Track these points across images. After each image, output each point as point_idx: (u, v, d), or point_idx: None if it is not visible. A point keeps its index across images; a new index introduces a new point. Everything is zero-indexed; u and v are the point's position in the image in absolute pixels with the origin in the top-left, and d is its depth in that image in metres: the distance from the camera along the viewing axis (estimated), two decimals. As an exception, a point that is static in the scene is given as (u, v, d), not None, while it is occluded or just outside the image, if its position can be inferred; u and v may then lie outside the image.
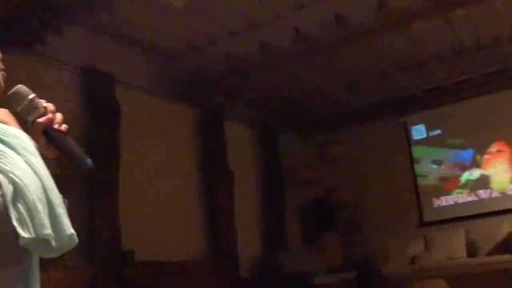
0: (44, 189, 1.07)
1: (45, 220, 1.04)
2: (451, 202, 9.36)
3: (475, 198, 9.18)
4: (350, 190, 9.80)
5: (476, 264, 7.70)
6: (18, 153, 1.09)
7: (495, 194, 9.04)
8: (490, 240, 8.41)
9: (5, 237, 1.01)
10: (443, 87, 9.04)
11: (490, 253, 8.26)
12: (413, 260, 8.71)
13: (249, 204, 8.56)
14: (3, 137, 1.12)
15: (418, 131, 9.78)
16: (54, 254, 1.08)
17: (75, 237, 1.11)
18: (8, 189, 1.00)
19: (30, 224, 1.02)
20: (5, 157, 1.05)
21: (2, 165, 1.04)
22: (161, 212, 6.54)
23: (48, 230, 1.04)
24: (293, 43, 6.54)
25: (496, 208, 8.91)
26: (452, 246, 8.64)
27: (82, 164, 1.27)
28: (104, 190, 5.81)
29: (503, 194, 8.98)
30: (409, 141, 9.86)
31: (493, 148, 9.17)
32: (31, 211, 1.02)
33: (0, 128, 1.15)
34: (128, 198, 5.98)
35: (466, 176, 9.32)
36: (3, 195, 1.00)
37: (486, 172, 9.18)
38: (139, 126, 6.50)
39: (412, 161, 9.77)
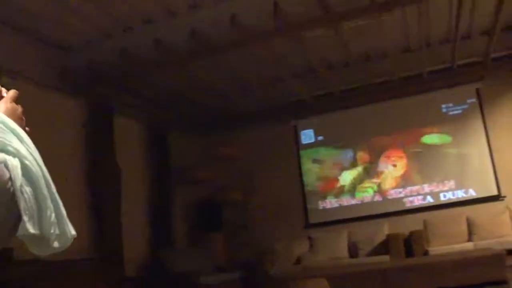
0: (49, 185, 0.98)
1: (53, 218, 0.96)
2: (336, 205, 9.73)
3: (358, 202, 9.61)
4: (238, 190, 9.90)
5: (357, 264, 8.05)
6: (21, 141, 1.01)
7: (376, 198, 9.51)
8: (371, 242, 8.83)
9: (4, 224, 0.91)
10: (332, 94, 9.36)
11: (370, 254, 8.68)
12: (298, 260, 8.96)
13: (137, 203, 8.40)
14: (2, 123, 1.04)
15: (307, 136, 10.07)
16: (46, 253, 1.00)
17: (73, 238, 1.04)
18: (18, 174, 0.90)
19: (37, 219, 0.93)
20: (10, 141, 0.98)
21: (10, 147, 0.94)
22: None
23: (57, 230, 0.96)
24: (188, 42, 6.51)
25: (377, 212, 9.38)
26: (335, 247, 8.97)
27: None
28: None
29: (384, 198, 9.46)
30: (298, 145, 10.13)
31: (377, 155, 9.65)
32: (41, 206, 0.93)
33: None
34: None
35: (349, 180, 9.72)
36: (11, 179, 0.90)
37: (367, 176, 9.65)
38: (25, 117, 6.18)
39: (300, 164, 10.04)
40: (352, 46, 7.64)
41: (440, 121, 9.37)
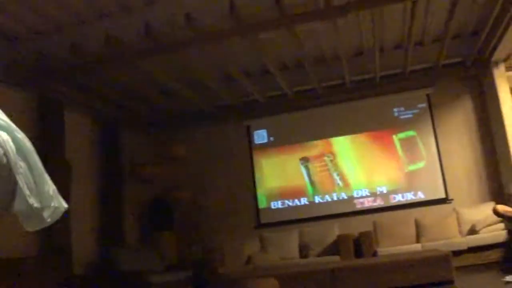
0: (36, 155, 0.92)
1: (52, 192, 0.90)
2: (287, 205, 9.78)
3: (309, 203, 9.69)
4: (189, 189, 9.86)
5: (306, 264, 8.12)
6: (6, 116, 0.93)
7: (327, 199, 9.62)
8: (321, 242, 8.92)
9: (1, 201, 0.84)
10: (285, 95, 9.42)
11: (321, 254, 8.77)
12: (249, 259, 8.98)
13: (86, 199, 8.24)
14: None
15: (260, 136, 10.10)
16: (38, 228, 0.94)
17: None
18: (12, 148, 0.83)
19: (36, 193, 0.87)
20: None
21: (1, 121, 0.87)
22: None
23: (56, 203, 0.91)
24: (141, 38, 6.43)
25: (328, 213, 9.49)
26: (286, 247, 9.03)
27: None
28: None
29: (335, 199, 9.57)
30: (251, 145, 10.15)
31: (326, 157, 9.76)
32: (38, 180, 0.87)
33: None
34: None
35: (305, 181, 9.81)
36: (6, 155, 0.82)
37: (319, 180, 9.75)
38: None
39: (252, 164, 10.06)
40: (306, 48, 7.70)
41: (391, 125, 9.55)
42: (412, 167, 9.39)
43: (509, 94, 8.48)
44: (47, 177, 0.94)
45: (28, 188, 0.87)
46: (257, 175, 10.00)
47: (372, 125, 9.62)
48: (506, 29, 7.23)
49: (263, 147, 10.08)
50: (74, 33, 6.39)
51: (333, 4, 6.25)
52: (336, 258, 8.37)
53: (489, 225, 7.99)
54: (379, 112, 9.62)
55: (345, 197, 9.56)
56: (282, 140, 10.00)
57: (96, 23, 6.23)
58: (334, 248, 8.70)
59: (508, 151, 8.26)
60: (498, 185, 8.89)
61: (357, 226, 8.97)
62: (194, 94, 8.93)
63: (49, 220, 0.94)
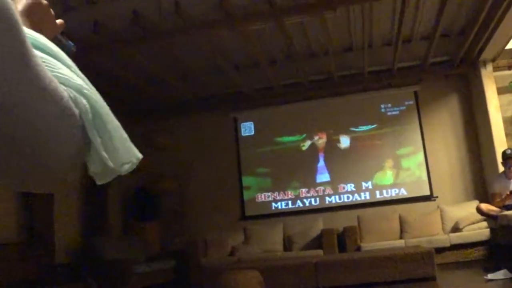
0: (108, 109, 0.84)
1: (129, 146, 0.83)
2: (272, 198, 9.79)
3: (294, 196, 9.71)
4: (174, 179, 9.83)
5: (290, 258, 8.13)
6: (68, 67, 0.83)
7: (312, 193, 9.64)
8: (305, 236, 8.94)
9: (76, 164, 0.77)
10: (273, 88, 9.41)
11: (304, 248, 8.80)
12: (232, 251, 8.99)
13: (69, 187, 8.19)
14: (33, 41, 0.81)
15: (247, 128, 10.09)
16: (110, 179, 0.87)
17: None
18: (86, 107, 0.76)
19: (114, 153, 0.80)
20: (55, 66, 0.78)
21: (60, 75, 0.78)
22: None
23: (133, 158, 0.84)
24: (130, 25, 6.39)
25: (313, 206, 9.52)
26: (270, 240, 9.05)
27: (68, 51, 1.04)
28: None
29: (321, 194, 9.60)
30: (237, 137, 10.13)
31: (312, 151, 9.78)
32: (114, 136, 0.80)
33: (36, 36, 0.83)
34: None
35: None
36: (81, 116, 0.75)
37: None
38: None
39: (239, 156, 10.05)
40: (295, 41, 7.69)
41: (378, 121, 9.58)
42: (397, 163, 9.44)
43: (495, 94, 8.55)
44: (122, 132, 0.86)
45: (106, 149, 0.80)
46: (243, 167, 9.99)
47: (359, 120, 9.64)
48: (494, 29, 7.28)
49: (250, 139, 10.06)
50: (62, 19, 6.32)
51: (323, -2, 6.25)
52: (320, 252, 8.40)
53: (473, 223, 8.06)
54: (366, 108, 9.64)
55: (330, 192, 9.57)
56: (268, 133, 9.99)
57: (84, 9, 6.17)
58: (318, 242, 8.73)
59: (493, 151, 8.33)
60: (482, 184, 8.96)
61: (341, 221, 9.00)
62: (181, 84, 8.90)
63: (124, 172, 0.88)
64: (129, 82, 8.59)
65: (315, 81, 9.33)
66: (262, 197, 9.84)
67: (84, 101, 0.79)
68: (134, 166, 0.92)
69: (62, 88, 0.74)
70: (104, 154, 0.81)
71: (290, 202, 9.71)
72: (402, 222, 8.73)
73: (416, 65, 9.05)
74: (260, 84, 9.30)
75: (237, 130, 10.13)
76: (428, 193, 9.22)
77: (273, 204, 9.77)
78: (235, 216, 9.80)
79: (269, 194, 9.82)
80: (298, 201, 9.68)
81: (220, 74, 8.73)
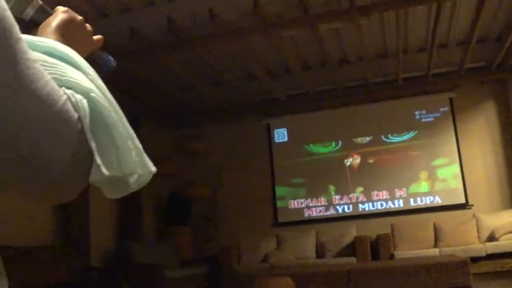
0: (120, 116, 0.84)
1: (134, 156, 0.84)
2: (305, 205, 9.75)
3: (328, 203, 9.65)
4: (206, 185, 9.87)
5: (323, 265, 8.09)
6: (79, 69, 0.83)
7: (346, 200, 9.57)
8: (338, 243, 8.88)
9: (78, 169, 0.78)
10: (306, 94, 9.39)
11: (337, 255, 8.73)
12: (265, 258, 8.98)
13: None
14: (50, 50, 0.83)
15: (280, 134, 10.07)
16: (122, 195, 0.88)
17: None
18: (86, 110, 0.77)
19: (115, 160, 0.81)
20: (64, 72, 0.79)
21: (68, 79, 0.77)
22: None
23: (139, 170, 0.85)
24: (164, 33, 6.46)
25: (346, 213, 9.46)
26: (303, 247, 9.01)
27: (108, 65, 1.12)
28: None
29: (354, 201, 9.53)
30: (270, 143, 10.13)
31: (345, 157, 9.72)
32: (118, 144, 0.81)
33: (40, 40, 0.85)
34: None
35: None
36: (80, 120, 0.77)
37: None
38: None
39: (272, 162, 10.04)
40: (329, 48, 7.66)
41: (412, 128, 9.47)
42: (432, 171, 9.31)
43: (533, 100, 8.37)
44: (128, 141, 0.84)
45: (104, 155, 0.79)
46: (276, 174, 9.98)
47: (393, 127, 9.54)
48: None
49: (283, 145, 10.05)
50: (98, 26, 6.43)
51: (357, 4, 6.22)
52: (353, 259, 8.33)
53: (510, 232, 7.89)
54: (401, 114, 9.53)
55: (364, 199, 9.49)
56: (302, 140, 9.96)
57: (119, 17, 6.27)
58: (351, 249, 8.66)
59: (531, 158, 8.15)
60: (520, 192, 8.77)
61: (374, 228, 8.91)
62: (215, 90, 8.95)
63: (134, 186, 0.86)
64: (163, 88, 8.67)
65: (349, 88, 9.28)
66: (295, 203, 9.81)
67: (86, 105, 0.79)
68: (145, 180, 0.90)
69: (60, 92, 0.75)
70: (98, 160, 0.79)
71: (323, 209, 9.66)
72: (436, 230, 8.60)
73: (451, 71, 8.92)
74: (293, 90, 9.29)
75: (270, 136, 10.13)
76: (463, 201, 9.06)
77: (306, 210, 9.73)
78: (268, 223, 9.79)
79: (302, 201, 9.78)
80: (331, 208, 9.62)
81: (253, 81, 8.75)
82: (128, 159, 0.82)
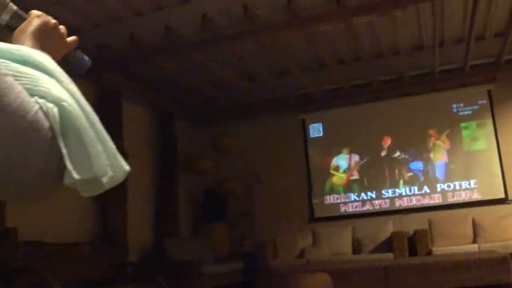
0: (91, 121, 0.89)
1: (105, 160, 0.88)
2: (341, 200, 9.69)
3: (363, 198, 9.57)
4: (242, 182, 9.89)
5: (359, 261, 8.02)
6: (52, 77, 0.87)
7: (382, 195, 9.48)
8: (375, 239, 8.80)
9: (49, 175, 0.83)
10: (341, 89, 9.31)
11: (374, 251, 8.66)
12: (301, 253, 8.95)
13: (142, 190, 8.40)
14: (26, 58, 0.88)
15: (316, 130, 10.02)
16: (98, 193, 0.93)
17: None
18: (56, 118, 0.81)
19: (87, 165, 0.86)
20: (36, 81, 0.82)
21: (40, 88, 0.80)
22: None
23: (110, 171, 0.89)
24: (198, 30, 6.48)
25: (383, 209, 9.36)
26: (339, 243, 8.96)
27: (83, 64, 1.18)
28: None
29: (390, 195, 9.42)
30: (305, 139, 10.07)
31: (382, 152, 9.61)
32: (88, 151, 0.85)
33: (16, 48, 0.90)
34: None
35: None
36: (51, 128, 0.81)
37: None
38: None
39: (307, 158, 10.00)
40: (363, 41, 7.58)
41: (450, 121, 9.31)
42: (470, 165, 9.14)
43: None
44: (98, 146, 0.87)
45: (74, 161, 0.83)
46: (311, 169, 9.93)
47: (430, 121, 9.39)
48: None
49: (318, 140, 9.99)
50: (132, 24, 6.50)
51: (392, -4, 6.13)
52: (390, 255, 8.23)
53: (551, 227, 7.70)
54: (437, 108, 9.37)
55: (401, 194, 9.37)
56: (337, 134, 9.89)
57: (154, 14, 6.31)
58: (388, 245, 8.57)
59: None
60: (563, 186, 8.54)
61: (411, 224, 8.80)
62: (249, 86, 8.96)
63: (107, 186, 0.90)
64: (197, 85, 8.72)
65: (384, 81, 9.17)
66: (331, 199, 9.75)
67: (57, 114, 0.82)
68: (119, 178, 0.94)
69: (31, 103, 0.78)
70: (69, 165, 0.83)
71: (359, 204, 9.58)
72: (475, 226, 8.45)
73: (489, 62, 8.72)
74: (328, 85, 9.23)
75: (305, 131, 10.08)
76: (503, 196, 8.86)
77: (342, 206, 9.66)
78: (304, 218, 9.77)
79: (338, 195, 9.72)
80: (367, 203, 9.53)
81: (287, 76, 8.72)
82: (99, 162, 0.86)
